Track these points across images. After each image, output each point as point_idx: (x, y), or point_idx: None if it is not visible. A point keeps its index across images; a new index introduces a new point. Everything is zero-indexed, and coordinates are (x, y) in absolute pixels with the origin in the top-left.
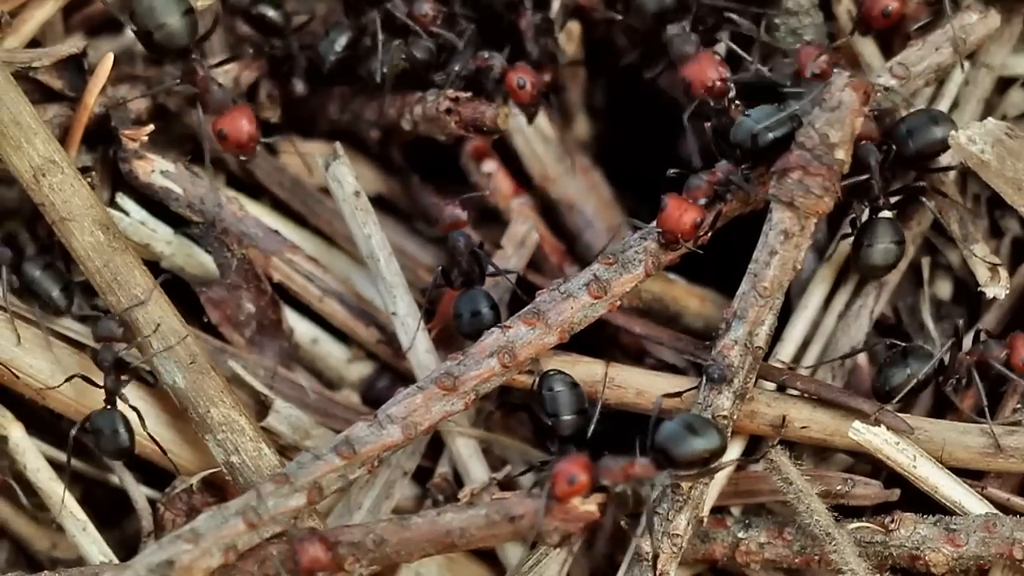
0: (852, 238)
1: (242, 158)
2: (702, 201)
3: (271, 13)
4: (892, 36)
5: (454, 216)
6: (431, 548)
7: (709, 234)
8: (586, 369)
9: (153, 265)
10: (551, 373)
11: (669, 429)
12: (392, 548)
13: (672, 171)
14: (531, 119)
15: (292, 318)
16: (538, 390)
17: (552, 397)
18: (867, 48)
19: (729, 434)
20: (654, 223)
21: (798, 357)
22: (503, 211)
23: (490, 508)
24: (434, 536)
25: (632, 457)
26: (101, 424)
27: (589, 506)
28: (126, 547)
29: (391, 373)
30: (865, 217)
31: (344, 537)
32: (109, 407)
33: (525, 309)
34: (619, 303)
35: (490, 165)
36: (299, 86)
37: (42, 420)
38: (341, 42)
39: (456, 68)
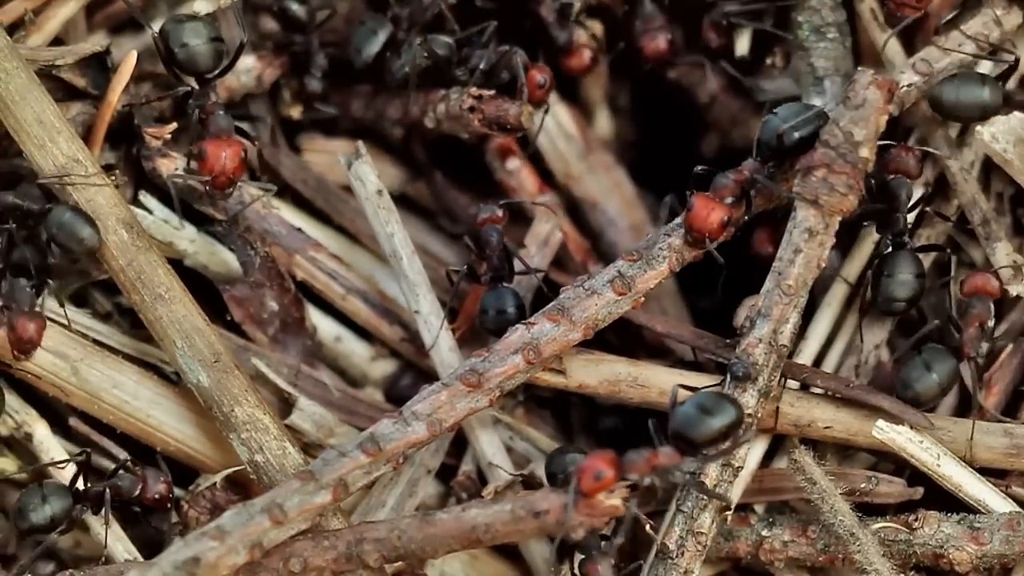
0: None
1: (215, 190)
2: (729, 200)
3: (295, 7)
4: (915, 33)
5: (492, 212)
6: (456, 544)
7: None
8: (609, 368)
9: (176, 263)
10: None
11: (683, 413)
12: (417, 544)
13: (699, 168)
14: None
15: (315, 316)
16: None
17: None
18: (890, 45)
19: (753, 433)
20: (678, 220)
21: (821, 355)
22: (527, 209)
23: (515, 504)
24: (459, 532)
25: (655, 447)
26: None
27: (614, 500)
28: (149, 545)
29: (414, 371)
30: (888, 250)
31: (369, 533)
32: None
33: (549, 306)
34: (642, 300)
35: (515, 162)
36: (315, 83)
37: (66, 418)
38: (380, 39)
39: (480, 65)
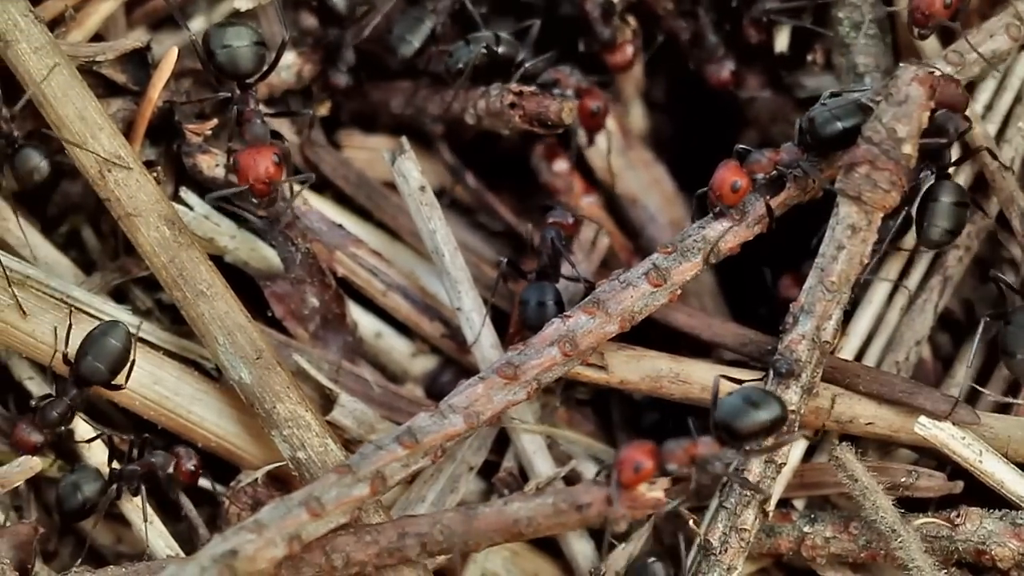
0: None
1: (252, 199)
2: (759, 176)
3: (336, 0)
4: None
5: (564, 218)
6: (498, 537)
7: (764, 223)
8: (651, 364)
9: (217, 259)
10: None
11: (729, 403)
12: (459, 538)
13: (740, 146)
14: (592, 140)
15: (355, 312)
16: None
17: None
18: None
19: (796, 428)
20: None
21: (862, 351)
22: (572, 209)
23: (557, 497)
24: (501, 525)
25: (695, 437)
26: None
27: (656, 492)
28: (191, 541)
29: (455, 367)
30: (931, 181)
31: (411, 527)
32: None
33: (585, 299)
34: (679, 292)
35: (562, 164)
36: (341, 78)
37: (107, 414)
38: (426, 28)
39: (528, 66)
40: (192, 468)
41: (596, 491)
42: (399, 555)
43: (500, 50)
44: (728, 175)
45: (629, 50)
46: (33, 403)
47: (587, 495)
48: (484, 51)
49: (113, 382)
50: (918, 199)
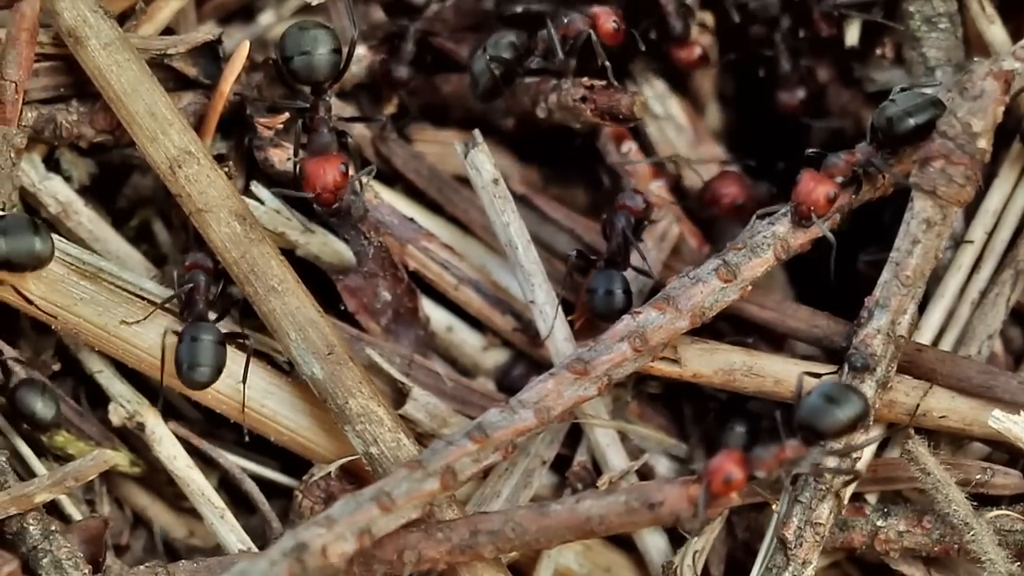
0: None
1: (317, 207)
2: (839, 179)
3: None
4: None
5: (635, 202)
6: (570, 535)
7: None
8: (724, 357)
9: (288, 253)
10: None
11: (811, 403)
12: (531, 536)
13: (811, 151)
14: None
15: (427, 306)
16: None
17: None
18: (995, 32)
19: (871, 423)
20: (783, 208)
21: (934, 345)
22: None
23: (629, 496)
24: (573, 523)
25: (781, 442)
26: None
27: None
28: (263, 535)
29: (526, 361)
30: None
31: (483, 525)
32: None
33: (655, 296)
34: (749, 288)
35: (629, 147)
36: (402, 71)
37: (179, 407)
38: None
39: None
40: None
41: (669, 489)
42: (471, 552)
43: (504, 55)
44: (819, 186)
45: (697, 51)
46: None
47: (660, 493)
48: (495, 62)
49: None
50: None
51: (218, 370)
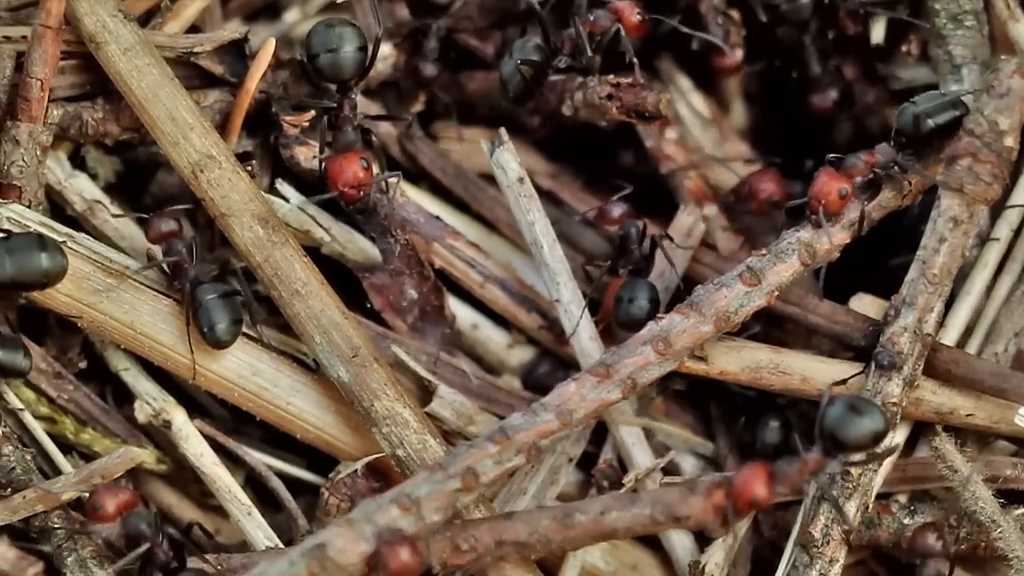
0: None
1: (344, 205)
2: (857, 180)
3: None
4: None
5: (610, 214)
6: (595, 541)
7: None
8: (751, 354)
9: (313, 251)
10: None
11: (835, 413)
12: (556, 545)
13: (832, 156)
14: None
15: (452, 303)
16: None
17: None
18: (1020, 30)
19: (898, 421)
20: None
21: (960, 343)
22: (673, 180)
23: (655, 508)
24: (598, 533)
25: (803, 455)
26: None
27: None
28: (290, 532)
29: (552, 358)
30: None
31: (507, 535)
32: None
33: (680, 304)
34: (776, 293)
35: (672, 133)
36: (429, 68)
37: (206, 405)
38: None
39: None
40: None
41: (694, 502)
42: (496, 559)
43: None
44: (832, 182)
45: (738, 57)
46: None
47: (685, 507)
48: (523, 65)
49: None
50: None
51: (236, 323)
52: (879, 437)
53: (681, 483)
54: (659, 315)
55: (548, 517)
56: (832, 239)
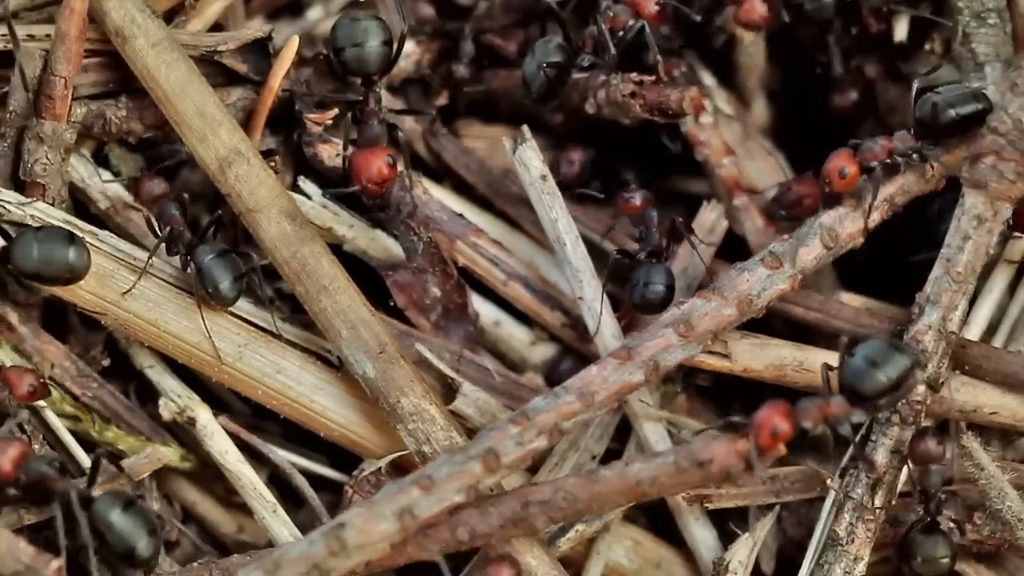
0: None
1: (366, 200)
2: (872, 164)
3: None
4: None
5: (631, 202)
6: (622, 500)
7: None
8: (775, 352)
9: (336, 248)
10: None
11: (853, 365)
12: (583, 504)
13: (853, 141)
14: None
15: (474, 300)
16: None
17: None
18: None
19: (922, 418)
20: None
21: (983, 341)
22: (711, 166)
23: (678, 455)
24: (624, 488)
25: (827, 397)
26: None
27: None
28: (313, 529)
29: (574, 355)
30: None
31: (533, 496)
32: None
33: (703, 290)
34: (801, 277)
35: (708, 119)
36: (462, 70)
37: (229, 402)
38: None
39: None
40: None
41: (717, 446)
42: (524, 524)
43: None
44: (837, 162)
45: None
46: None
47: (708, 451)
48: (548, 66)
49: None
50: None
51: (238, 279)
52: (903, 380)
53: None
54: (680, 299)
55: (573, 476)
56: (854, 223)
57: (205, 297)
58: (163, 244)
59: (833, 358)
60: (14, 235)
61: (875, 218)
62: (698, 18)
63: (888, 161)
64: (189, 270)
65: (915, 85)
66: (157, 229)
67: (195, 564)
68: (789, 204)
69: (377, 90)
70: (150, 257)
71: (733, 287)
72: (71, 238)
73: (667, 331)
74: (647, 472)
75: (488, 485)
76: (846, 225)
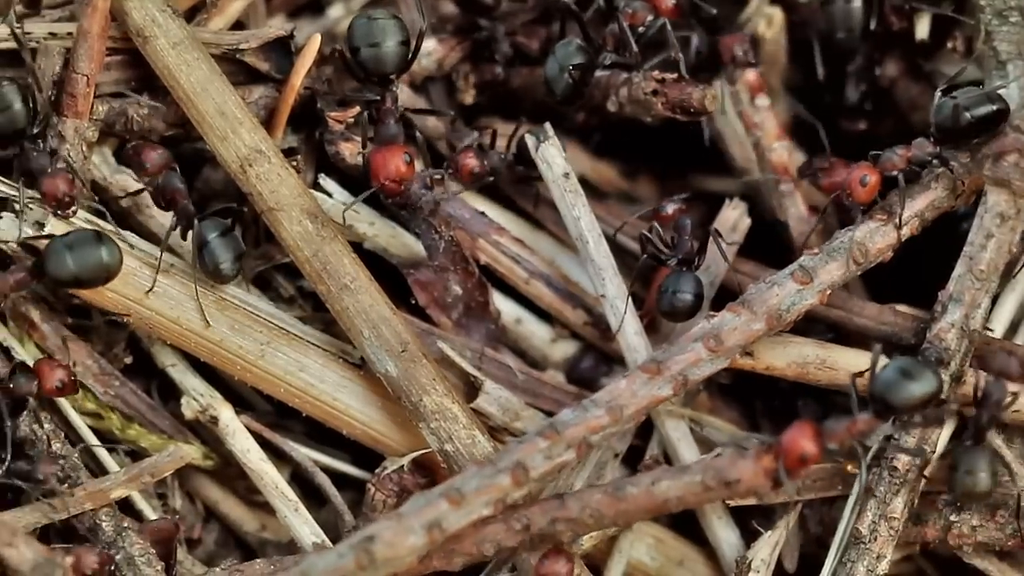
0: None
1: (384, 198)
2: (893, 173)
3: None
4: None
5: (664, 211)
6: (647, 516)
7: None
8: (798, 350)
9: (356, 246)
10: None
11: (885, 376)
12: (609, 520)
13: (873, 152)
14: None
15: (496, 299)
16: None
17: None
18: None
19: (944, 416)
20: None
21: (1007, 339)
22: (765, 150)
23: (705, 475)
24: (650, 506)
25: (853, 415)
26: None
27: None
28: (336, 528)
29: (596, 353)
30: None
31: (560, 513)
32: None
33: (732, 302)
34: (830, 292)
35: (764, 100)
36: (498, 70)
37: (251, 401)
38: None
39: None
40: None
41: (744, 466)
42: (550, 539)
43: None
44: (857, 172)
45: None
46: None
47: (735, 471)
48: (572, 69)
49: None
50: None
51: (239, 258)
52: (932, 399)
53: (730, 449)
54: (710, 313)
55: (600, 492)
56: (885, 238)
57: (203, 272)
58: (177, 228)
59: (855, 356)
60: (41, 248)
61: (905, 233)
62: (714, 11)
63: (909, 168)
64: (188, 239)
65: (937, 93)
66: (160, 200)
67: (218, 569)
68: (822, 170)
69: (394, 89)
70: (166, 238)
71: (763, 301)
72: (99, 237)
73: (697, 345)
74: (674, 491)
75: (516, 498)
76: (876, 240)
